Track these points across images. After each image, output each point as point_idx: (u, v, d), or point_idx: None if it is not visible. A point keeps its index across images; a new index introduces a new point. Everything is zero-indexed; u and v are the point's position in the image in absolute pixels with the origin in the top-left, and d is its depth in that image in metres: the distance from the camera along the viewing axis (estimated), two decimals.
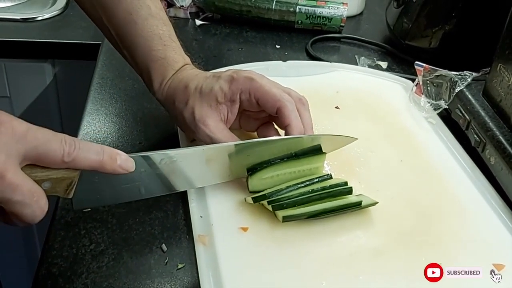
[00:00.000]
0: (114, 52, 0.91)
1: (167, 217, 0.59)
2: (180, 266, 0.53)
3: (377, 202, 0.58)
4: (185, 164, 0.56)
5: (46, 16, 1.12)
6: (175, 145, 0.69)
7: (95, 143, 0.47)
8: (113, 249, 0.55)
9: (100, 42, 0.97)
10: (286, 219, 0.55)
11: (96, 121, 0.74)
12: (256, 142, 0.59)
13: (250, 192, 0.59)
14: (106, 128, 0.72)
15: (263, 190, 0.58)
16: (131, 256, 0.54)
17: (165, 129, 0.73)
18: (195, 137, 0.62)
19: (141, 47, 0.64)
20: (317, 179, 0.60)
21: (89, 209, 0.59)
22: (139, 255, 0.54)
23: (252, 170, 0.58)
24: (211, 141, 0.59)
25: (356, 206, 0.57)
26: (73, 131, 0.70)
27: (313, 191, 0.58)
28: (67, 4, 1.18)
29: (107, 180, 0.50)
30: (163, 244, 0.55)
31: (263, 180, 0.59)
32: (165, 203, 0.60)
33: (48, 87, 1.11)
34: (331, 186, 0.58)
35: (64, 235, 0.56)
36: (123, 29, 0.65)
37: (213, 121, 0.60)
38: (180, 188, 0.58)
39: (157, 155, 0.54)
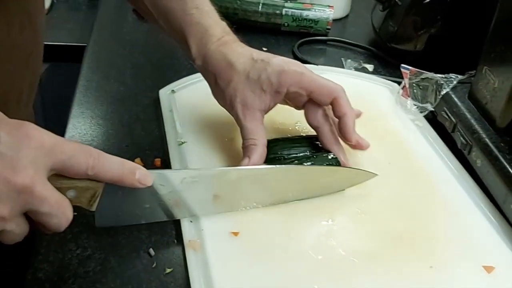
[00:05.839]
0: (99, 54, 0.91)
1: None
2: (168, 270, 0.53)
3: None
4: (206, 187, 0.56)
5: None
6: (162, 148, 0.68)
7: (117, 157, 0.48)
8: (100, 254, 0.54)
9: (85, 44, 0.96)
10: None
11: (82, 124, 0.73)
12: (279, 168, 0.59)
13: None
14: (92, 131, 0.72)
15: None
16: (118, 261, 0.53)
17: (151, 132, 0.72)
18: (229, 112, 0.63)
19: (175, 13, 0.64)
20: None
21: (75, 213, 0.58)
22: (126, 259, 0.54)
23: None
24: (242, 128, 0.61)
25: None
26: (59, 135, 0.69)
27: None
28: (51, 6, 1.17)
29: (130, 197, 0.51)
30: (151, 249, 0.55)
31: None
32: None
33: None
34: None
35: (50, 240, 0.55)
36: None
37: (252, 109, 0.61)
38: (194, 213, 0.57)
39: (178, 173, 0.54)
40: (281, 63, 0.61)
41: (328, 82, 0.61)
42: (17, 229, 0.43)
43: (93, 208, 0.49)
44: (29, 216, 0.44)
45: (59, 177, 0.45)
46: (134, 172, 0.48)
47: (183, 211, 0.56)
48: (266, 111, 0.63)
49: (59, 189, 0.45)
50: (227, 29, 0.66)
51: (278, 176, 0.58)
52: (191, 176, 0.54)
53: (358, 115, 0.69)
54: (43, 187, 0.42)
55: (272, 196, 0.58)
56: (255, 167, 0.58)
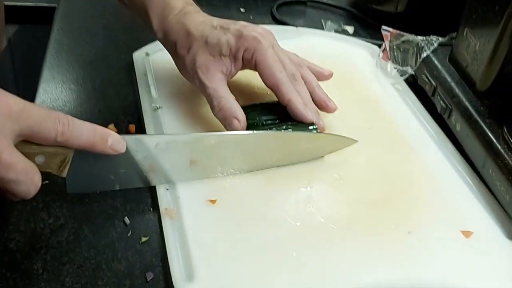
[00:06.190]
0: (70, 16, 0.87)
1: (130, 189, 0.56)
2: (144, 239, 0.52)
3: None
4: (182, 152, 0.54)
5: None
6: (137, 113, 0.66)
7: (88, 122, 0.46)
8: (73, 223, 0.52)
9: (55, 5, 0.92)
10: None
11: (53, 88, 0.70)
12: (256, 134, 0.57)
13: None
14: (64, 96, 0.69)
15: None
16: (92, 230, 0.52)
17: (125, 96, 0.70)
18: (192, 84, 0.62)
19: None
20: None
21: (47, 181, 0.56)
22: (100, 228, 0.52)
23: None
24: (206, 90, 0.59)
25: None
26: (29, 99, 0.67)
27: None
28: None
29: (103, 162, 0.49)
30: (126, 217, 0.53)
31: None
32: None
33: (2, 53, 1.06)
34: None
35: (22, 209, 0.53)
36: None
37: (213, 70, 0.59)
38: (170, 180, 0.55)
39: (153, 138, 0.52)
40: (240, 28, 0.60)
41: (275, 66, 0.59)
42: None
43: (64, 174, 0.48)
44: None
45: (27, 142, 0.44)
46: (106, 139, 0.47)
47: (159, 177, 0.55)
48: (229, 77, 0.61)
49: (27, 154, 0.43)
50: (190, 0, 0.65)
51: (257, 142, 0.57)
52: (166, 141, 0.52)
53: (329, 76, 0.67)
54: (9, 153, 0.41)
55: (250, 162, 0.57)
56: (233, 133, 0.57)
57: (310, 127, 0.59)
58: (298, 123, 0.59)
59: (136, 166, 0.52)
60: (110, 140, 0.47)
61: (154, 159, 0.53)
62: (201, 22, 0.61)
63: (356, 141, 0.61)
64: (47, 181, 0.56)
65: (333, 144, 0.60)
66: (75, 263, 0.49)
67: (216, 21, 0.62)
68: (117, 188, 0.53)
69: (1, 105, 0.41)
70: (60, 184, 0.56)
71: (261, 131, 0.58)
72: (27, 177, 0.43)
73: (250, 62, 0.60)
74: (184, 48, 0.61)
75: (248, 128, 0.58)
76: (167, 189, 0.55)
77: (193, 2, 0.65)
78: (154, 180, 0.55)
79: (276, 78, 0.59)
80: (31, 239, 0.51)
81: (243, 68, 0.62)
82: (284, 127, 0.59)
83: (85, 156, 0.47)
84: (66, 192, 0.55)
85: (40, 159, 0.45)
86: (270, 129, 0.59)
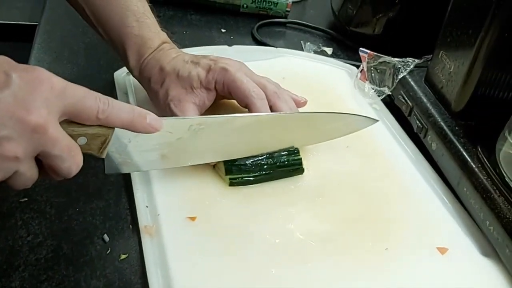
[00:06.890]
0: (51, 34, 0.88)
1: (109, 206, 0.57)
2: (123, 256, 0.52)
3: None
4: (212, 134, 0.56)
5: None
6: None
7: (126, 103, 0.48)
8: (52, 241, 0.52)
9: (36, 23, 0.92)
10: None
11: None
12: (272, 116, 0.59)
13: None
14: None
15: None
16: (71, 248, 0.52)
17: None
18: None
19: (115, 24, 0.64)
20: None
21: (26, 199, 0.56)
22: (79, 246, 0.52)
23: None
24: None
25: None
26: None
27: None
28: None
29: (137, 143, 0.51)
30: (105, 235, 0.53)
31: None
32: (107, 192, 0.58)
33: None
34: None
35: (0, 227, 0.53)
36: (97, 5, 0.64)
37: (184, 102, 0.60)
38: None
39: (186, 120, 0.55)
40: (209, 62, 0.62)
41: (245, 86, 0.60)
42: (29, 172, 0.43)
43: (103, 155, 0.49)
44: (38, 164, 0.44)
45: (70, 124, 0.45)
46: (145, 117, 0.48)
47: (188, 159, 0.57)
48: (202, 107, 0.62)
49: (70, 136, 0.44)
50: (167, 39, 0.67)
51: (281, 123, 0.59)
52: (198, 123, 0.54)
53: (303, 103, 0.67)
54: (56, 128, 0.42)
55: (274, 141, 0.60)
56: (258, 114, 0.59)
57: (295, 158, 0.61)
58: (278, 156, 0.60)
59: (168, 147, 0.54)
60: (148, 118, 0.49)
61: (187, 140, 0.54)
62: (174, 58, 0.63)
63: (377, 120, 0.64)
64: (26, 199, 0.56)
65: (354, 124, 0.63)
66: (54, 281, 0.49)
67: (188, 56, 0.63)
68: (155, 168, 0.56)
69: (46, 83, 0.42)
70: (39, 201, 0.56)
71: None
72: (70, 155, 0.44)
73: (224, 92, 0.61)
74: (157, 83, 0.62)
75: (229, 171, 0.59)
76: (147, 207, 0.55)
77: (169, 40, 0.67)
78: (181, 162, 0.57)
79: (248, 97, 0.60)
80: (9, 257, 0.50)
81: (221, 98, 0.63)
82: (267, 166, 0.60)
83: (124, 137, 0.49)
84: (45, 210, 0.55)
85: (82, 140, 0.46)
86: (253, 171, 0.60)
